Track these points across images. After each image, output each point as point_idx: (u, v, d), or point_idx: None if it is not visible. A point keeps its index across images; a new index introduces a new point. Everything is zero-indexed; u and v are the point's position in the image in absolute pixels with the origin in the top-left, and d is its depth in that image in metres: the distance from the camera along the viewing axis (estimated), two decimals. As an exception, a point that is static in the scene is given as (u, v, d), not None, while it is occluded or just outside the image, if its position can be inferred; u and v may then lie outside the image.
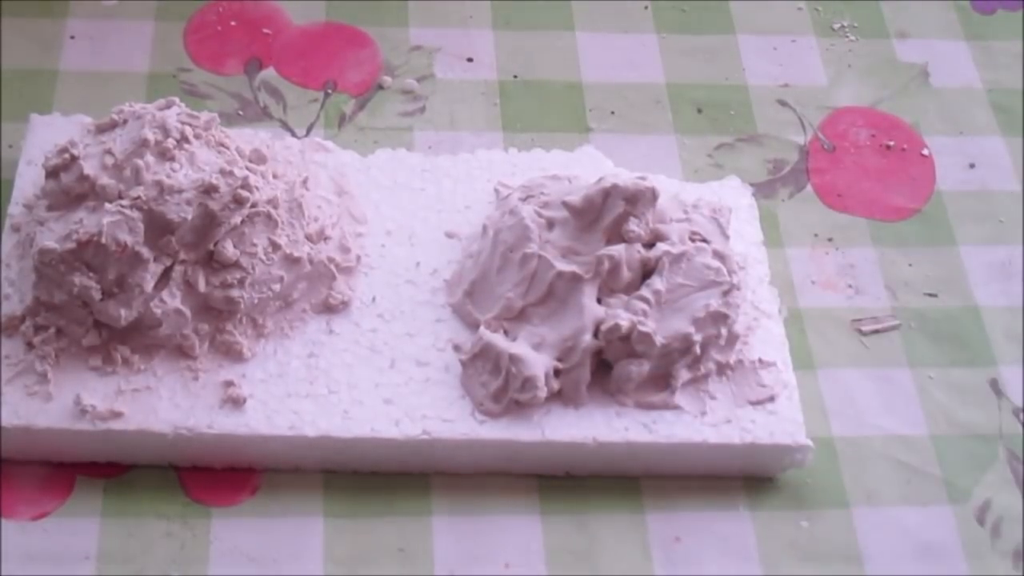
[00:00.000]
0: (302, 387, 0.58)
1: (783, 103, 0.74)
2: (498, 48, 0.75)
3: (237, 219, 0.58)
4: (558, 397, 0.58)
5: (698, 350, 0.59)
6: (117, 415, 0.56)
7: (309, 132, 0.70)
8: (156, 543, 0.56)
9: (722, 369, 0.60)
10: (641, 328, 0.58)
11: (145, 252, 0.56)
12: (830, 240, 0.69)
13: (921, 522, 0.60)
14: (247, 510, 0.57)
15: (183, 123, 0.59)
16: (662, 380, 0.59)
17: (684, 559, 0.58)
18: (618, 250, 0.59)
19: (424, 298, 0.61)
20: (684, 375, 0.59)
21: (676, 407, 0.59)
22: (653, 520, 0.59)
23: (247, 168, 0.59)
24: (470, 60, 0.74)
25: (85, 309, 0.57)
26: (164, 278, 0.57)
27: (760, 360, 0.61)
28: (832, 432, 0.62)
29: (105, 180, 0.57)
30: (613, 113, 0.73)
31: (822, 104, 0.75)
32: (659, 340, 0.58)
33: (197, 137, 0.59)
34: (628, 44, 0.76)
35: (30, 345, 0.57)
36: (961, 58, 0.78)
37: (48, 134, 0.64)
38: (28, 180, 0.62)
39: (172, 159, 0.58)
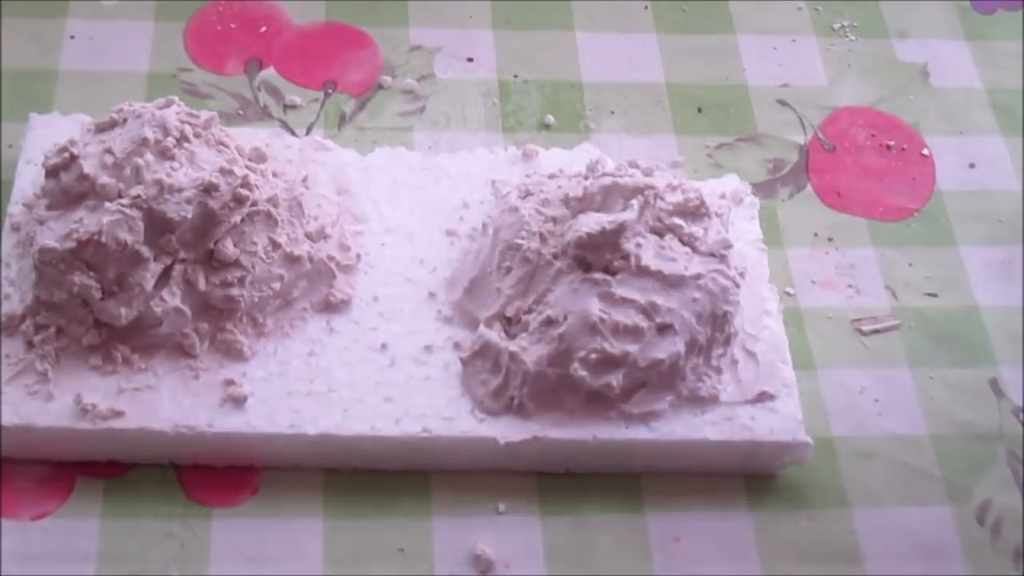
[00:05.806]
0: (302, 385, 0.58)
1: (783, 103, 0.74)
2: (498, 48, 0.75)
3: (237, 218, 0.57)
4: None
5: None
6: (118, 414, 0.56)
7: (309, 132, 0.70)
8: (156, 543, 0.56)
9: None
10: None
11: (145, 251, 0.56)
12: (830, 240, 0.69)
13: (921, 522, 0.60)
14: (247, 510, 0.57)
15: (183, 122, 0.59)
16: (667, 384, 0.59)
17: (684, 559, 0.58)
18: (618, 248, 0.59)
19: (424, 296, 0.61)
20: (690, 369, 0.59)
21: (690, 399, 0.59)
22: (653, 520, 0.59)
23: (247, 167, 0.59)
24: (470, 60, 0.74)
25: (85, 308, 0.57)
26: (164, 277, 0.57)
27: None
28: (832, 432, 0.62)
29: (105, 179, 0.57)
30: (613, 113, 0.73)
31: (822, 104, 0.75)
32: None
33: (197, 136, 0.59)
34: (628, 44, 0.76)
35: (30, 344, 0.57)
36: (961, 58, 0.78)
37: (48, 133, 0.64)
38: (28, 179, 0.62)
39: (172, 158, 0.58)
